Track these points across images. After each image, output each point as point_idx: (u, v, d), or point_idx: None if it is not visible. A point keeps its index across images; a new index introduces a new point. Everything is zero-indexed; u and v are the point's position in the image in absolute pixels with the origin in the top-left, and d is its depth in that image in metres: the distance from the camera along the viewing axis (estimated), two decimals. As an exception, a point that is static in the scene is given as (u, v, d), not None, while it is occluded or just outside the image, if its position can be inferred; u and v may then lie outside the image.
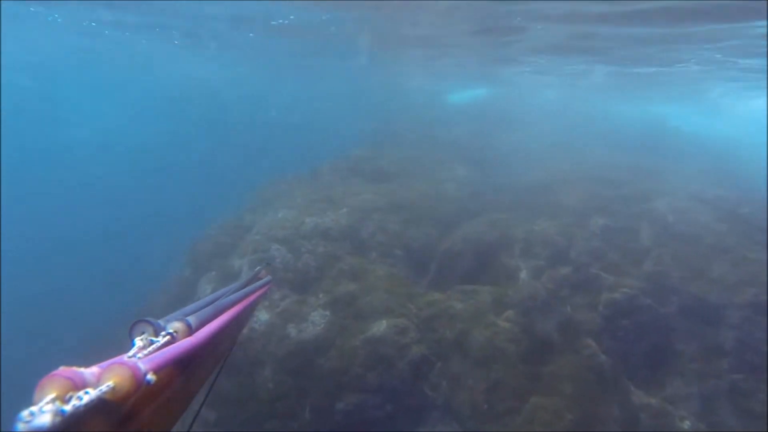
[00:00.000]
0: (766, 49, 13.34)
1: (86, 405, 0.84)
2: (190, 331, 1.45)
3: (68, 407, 0.81)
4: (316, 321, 11.58)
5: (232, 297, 2.14)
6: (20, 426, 0.75)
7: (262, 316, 12.14)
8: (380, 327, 11.04)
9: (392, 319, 11.27)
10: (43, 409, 0.78)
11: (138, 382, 0.97)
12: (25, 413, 0.77)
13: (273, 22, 15.31)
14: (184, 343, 1.32)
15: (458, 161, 19.55)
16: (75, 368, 0.91)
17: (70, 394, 0.85)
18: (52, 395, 0.83)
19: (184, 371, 1.32)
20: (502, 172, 19.51)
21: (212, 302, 1.91)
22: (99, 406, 0.89)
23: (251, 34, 18.49)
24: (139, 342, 1.26)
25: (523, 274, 12.64)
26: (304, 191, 15.74)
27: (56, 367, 0.88)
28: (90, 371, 0.94)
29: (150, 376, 1.01)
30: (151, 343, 1.27)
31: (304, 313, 11.84)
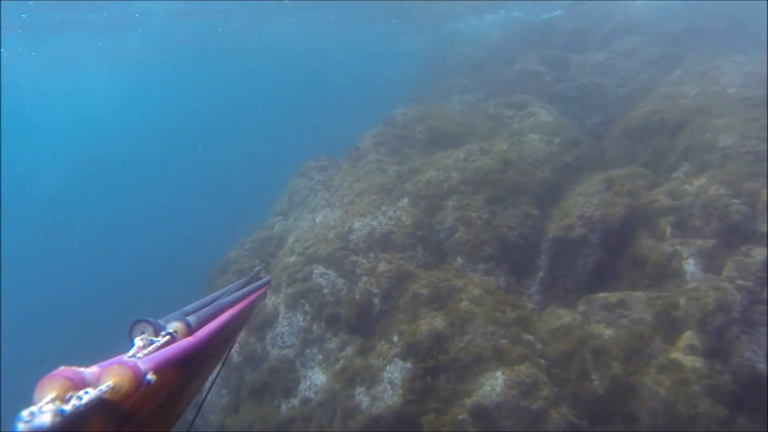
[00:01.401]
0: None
1: (86, 405, 0.83)
2: (190, 330, 1.43)
3: (68, 407, 0.80)
4: (394, 380, 8.10)
5: (232, 297, 2.09)
6: (20, 426, 0.74)
7: (317, 377, 8.78)
8: (493, 385, 7.45)
9: (509, 369, 7.65)
10: (43, 409, 0.77)
11: (138, 381, 0.96)
12: (24, 413, 0.75)
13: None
14: (184, 343, 1.31)
15: (534, 102, 15.12)
16: (75, 368, 0.90)
17: (69, 393, 0.84)
18: (52, 395, 0.81)
19: (184, 371, 1.28)
20: (595, 108, 15.00)
21: (212, 302, 1.88)
22: (99, 405, 0.88)
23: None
24: (138, 342, 1.24)
25: (690, 266, 8.56)
26: (345, 179, 11.95)
27: (56, 366, 0.86)
28: (90, 371, 0.93)
29: (150, 376, 1.01)
30: (151, 342, 1.25)
31: (375, 369, 8.38)
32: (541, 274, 10.00)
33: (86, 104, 55.51)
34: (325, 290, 9.46)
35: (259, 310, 10.06)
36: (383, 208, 10.42)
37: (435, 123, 13.34)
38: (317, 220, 11.17)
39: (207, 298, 1.96)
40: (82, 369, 0.92)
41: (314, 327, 9.30)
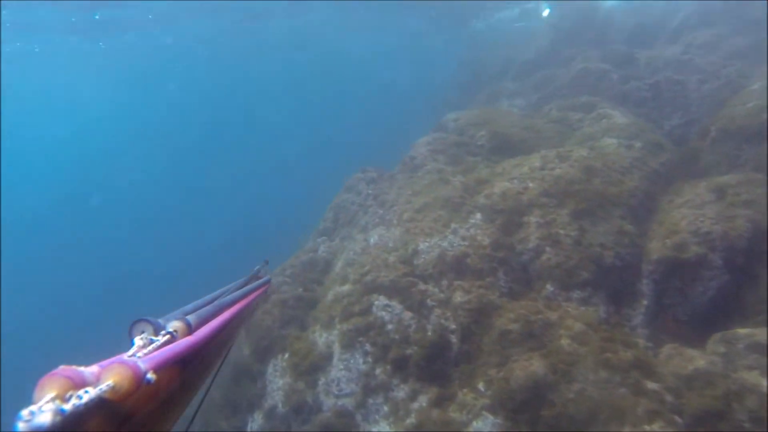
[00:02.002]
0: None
1: (86, 404, 0.84)
2: (190, 330, 1.43)
3: (68, 406, 0.80)
4: (485, 441, 6.56)
5: (232, 296, 2.09)
6: (20, 425, 0.74)
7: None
8: (621, 453, 5.85)
9: (637, 429, 6.06)
10: (43, 408, 0.77)
11: (138, 381, 0.96)
12: (24, 412, 0.76)
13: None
14: (184, 342, 1.31)
15: (605, 103, 13.56)
16: (75, 367, 0.90)
17: (69, 393, 0.84)
18: (52, 394, 0.82)
19: (184, 370, 1.30)
20: (675, 108, 13.36)
21: (212, 301, 1.89)
22: (99, 405, 0.88)
23: None
24: (138, 341, 1.25)
25: None
26: (402, 192, 10.54)
27: (56, 366, 0.87)
28: (90, 370, 0.93)
29: (150, 375, 1.01)
30: (151, 342, 1.26)
31: (458, 426, 6.90)
32: (645, 303, 8.40)
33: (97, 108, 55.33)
34: (389, 326, 7.99)
35: (308, 350, 8.67)
36: (453, 225, 8.95)
37: (497, 128, 11.88)
38: (372, 240, 9.74)
39: (207, 298, 1.95)
40: (82, 368, 0.92)
41: (377, 371, 7.82)
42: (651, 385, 6.60)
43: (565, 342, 7.11)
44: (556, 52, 19.33)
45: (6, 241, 38.67)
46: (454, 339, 7.58)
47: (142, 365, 1.01)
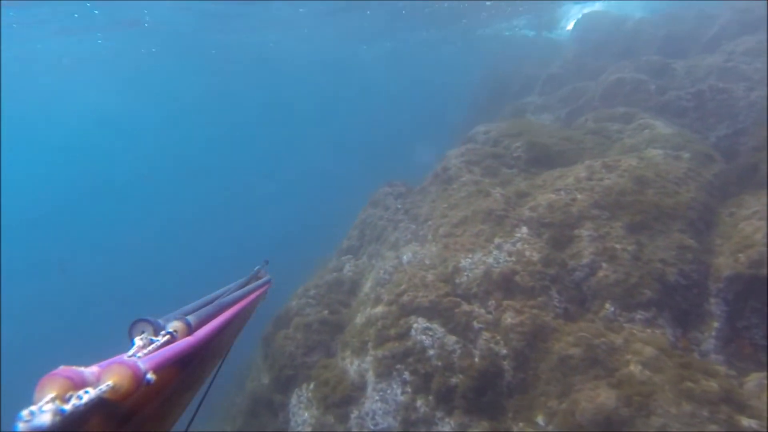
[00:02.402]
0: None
1: (86, 404, 0.84)
2: (190, 330, 1.43)
3: (68, 406, 0.81)
4: (552, 488, 5.67)
5: (232, 296, 2.08)
6: (20, 425, 0.75)
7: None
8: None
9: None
10: (43, 409, 0.78)
11: (138, 381, 0.96)
12: (24, 413, 0.76)
13: None
14: (184, 343, 1.31)
15: (643, 113, 12.86)
16: (75, 367, 0.91)
17: (69, 393, 0.84)
18: (52, 394, 0.82)
19: (184, 370, 1.31)
20: (720, 118, 12.60)
21: (212, 301, 1.88)
22: (99, 405, 0.89)
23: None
24: (138, 341, 1.24)
25: None
26: (437, 206, 9.81)
27: (56, 366, 0.87)
28: (90, 370, 0.94)
29: (150, 376, 1.01)
30: (151, 342, 1.26)
31: (518, 467, 5.97)
32: (716, 325, 7.53)
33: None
34: (431, 352, 7.16)
35: (338, 379, 7.84)
36: (497, 240, 8.18)
37: (534, 138, 11.19)
38: (405, 258, 8.97)
39: (207, 298, 1.94)
40: (82, 368, 0.92)
41: (418, 403, 6.97)
42: (746, 422, 5.72)
43: (635, 369, 6.26)
44: (583, 65, 18.77)
45: (6, 241, 39.39)
46: (506, 366, 6.73)
47: (142, 365, 1.00)
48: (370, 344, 7.66)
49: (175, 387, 1.24)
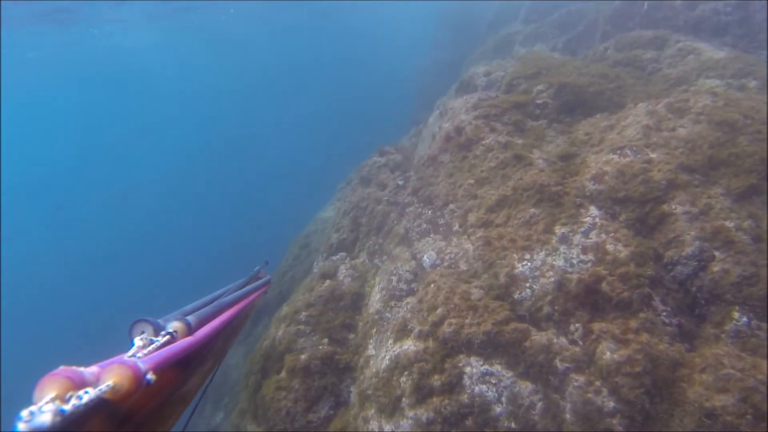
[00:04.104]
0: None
1: (86, 404, 0.85)
2: (190, 330, 1.44)
3: (68, 407, 0.81)
4: None
5: (232, 296, 2.09)
6: (20, 425, 0.75)
7: None
8: None
9: None
10: (43, 409, 0.78)
11: (138, 381, 0.97)
12: (24, 413, 0.77)
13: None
14: (184, 343, 1.31)
15: (677, 35, 10.67)
16: (75, 368, 0.91)
17: (69, 393, 0.85)
18: (52, 395, 0.83)
19: (184, 370, 1.31)
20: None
21: (211, 301, 1.89)
22: (99, 405, 0.89)
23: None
24: (138, 341, 1.26)
25: None
26: (457, 181, 7.44)
27: (56, 366, 0.88)
28: (90, 371, 0.94)
29: (150, 376, 1.02)
30: (151, 342, 1.27)
31: None
32: None
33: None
34: (498, 409, 5.03)
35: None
36: (560, 229, 5.95)
37: (563, 78, 8.83)
38: (426, 260, 6.68)
39: (207, 298, 1.94)
40: (82, 369, 0.92)
41: (493, 488, 4.88)
42: None
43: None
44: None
45: (6, 241, 41.31)
46: (618, 427, 4.66)
47: (142, 366, 1.00)
48: (404, 400, 5.44)
49: (175, 387, 1.23)
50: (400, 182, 8.67)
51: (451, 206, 7.18)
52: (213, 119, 63.38)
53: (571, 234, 5.95)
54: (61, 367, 0.89)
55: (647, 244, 5.76)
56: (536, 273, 5.70)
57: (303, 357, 6.72)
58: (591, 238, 5.83)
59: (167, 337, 1.33)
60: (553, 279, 5.54)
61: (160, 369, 1.08)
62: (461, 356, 5.41)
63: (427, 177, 7.95)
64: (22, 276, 37.05)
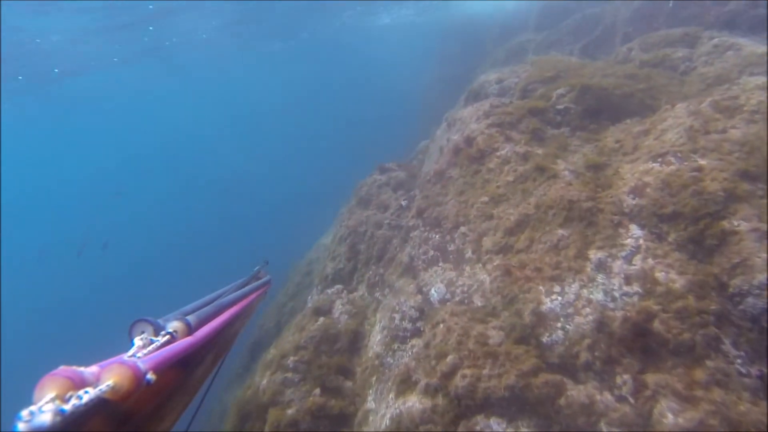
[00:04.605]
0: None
1: (86, 404, 0.85)
2: (190, 330, 1.44)
3: (68, 406, 0.82)
4: None
5: (232, 296, 2.09)
6: (20, 425, 0.76)
7: None
8: None
9: None
10: (43, 409, 0.79)
11: (138, 381, 0.97)
12: (24, 413, 0.77)
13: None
14: (184, 343, 1.31)
15: (711, 32, 9.67)
16: (75, 367, 0.92)
17: (69, 393, 0.85)
18: (52, 394, 0.83)
19: (184, 370, 1.31)
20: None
21: (211, 302, 1.89)
22: (99, 405, 0.89)
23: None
24: (138, 341, 1.25)
25: None
26: (468, 198, 6.44)
27: (56, 366, 0.88)
28: (90, 370, 0.94)
29: (150, 376, 1.02)
30: (151, 342, 1.26)
31: None
32: None
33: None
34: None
35: None
36: (597, 255, 4.89)
37: (586, 81, 7.85)
38: (434, 293, 5.64)
39: (206, 298, 1.95)
40: (82, 368, 0.93)
41: None
42: None
43: None
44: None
45: (6, 241, 41.67)
46: None
47: (142, 365, 1.00)
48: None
49: (175, 387, 1.22)
50: (404, 203, 7.68)
51: (463, 229, 6.15)
52: (213, 149, 63.89)
53: (609, 260, 4.88)
54: (61, 367, 0.88)
55: (707, 271, 4.67)
56: (569, 310, 4.63)
57: (290, 412, 5.66)
58: (635, 265, 4.76)
59: (167, 337, 1.31)
60: (591, 317, 4.46)
61: (160, 369, 1.06)
62: (478, 417, 4.33)
63: (434, 196, 6.93)
64: (22, 276, 37.51)
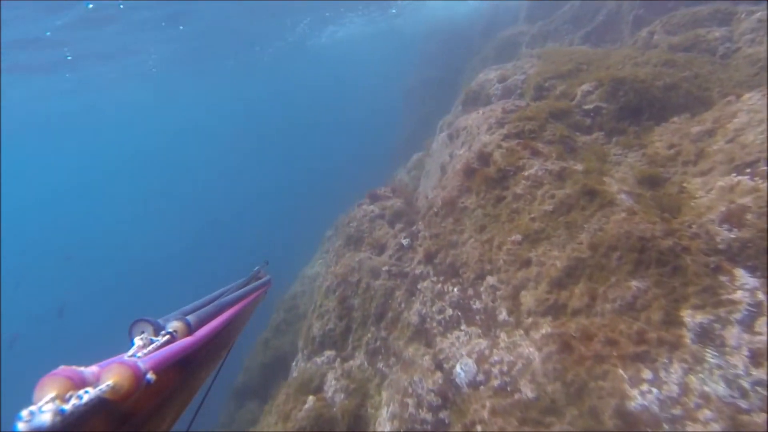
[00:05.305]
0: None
1: (86, 404, 0.84)
2: (190, 330, 1.42)
3: (68, 406, 0.80)
4: None
5: (232, 296, 2.06)
6: (20, 425, 0.75)
7: None
8: None
9: None
10: (43, 409, 0.77)
11: (138, 381, 0.96)
12: (24, 413, 0.76)
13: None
14: (184, 342, 1.30)
15: (745, 5, 8.38)
16: (74, 367, 0.91)
17: (69, 393, 0.84)
18: (52, 394, 0.82)
19: (184, 370, 1.29)
20: None
21: (212, 301, 1.87)
22: (99, 405, 0.89)
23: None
24: (138, 341, 1.24)
25: None
26: (492, 235, 4.92)
27: (56, 366, 0.88)
28: (89, 370, 0.93)
29: (150, 376, 1.01)
30: (151, 342, 1.25)
31: None
32: None
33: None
34: None
35: None
36: (697, 318, 3.45)
37: (612, 74, 6.44)
38: (461, 374, 4.17)
39: (207, 298, 1.95)
40: (81, 368, 0.92)
41: None
42: None
43: None
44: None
45: (6, 241, 41.79)
46: None
47: (142, 365, 1.00)
48: None
49: (176, 387, 1.22)
50: (405, 242, 6.20)
51: (490, 280, 4.66)
52: (188, 168, 62.98)
53: (717, 325, 3.43)
54: (61, 367, 0.87)
55: None
56: (675, 410, 3.16)
57: None
58: (760, 333, 3.31)
59: (167, 336, 1.30)
60: (716, 426, 2.99)
61: (160, 369, 1.06)
62: None
63: (446, 234, 5.43)
64: (23, 276, 37.73)
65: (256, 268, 2.91)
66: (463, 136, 6.72)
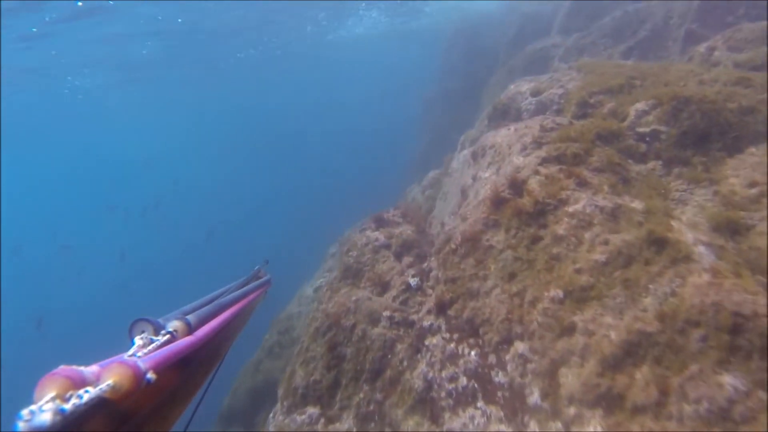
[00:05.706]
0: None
1: (86, 404, 0.85)
2: (190, 329, 1.43)
3: (68, 406, 0.82)
4: None
5: (232, 296, 2.07)
6: (20, 425, 0.76)
7: None
8: None
9: None
10: (43, 408, 0.79)
11: (138, 380, 0.98)
12: (25, 412, 0.77)
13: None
14: (184, 342, 1.32)
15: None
16: (75, 367, 0.92)
17: (70, 392, 0.85)
18: (52, 394, 0.83)
19: (184, 370, 1.31)
20: None
21: (211, 301, 1.88)
22: (99, 404, 0.89)
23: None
24: (138, 341, 1.25)
25: None
26: (527, 288, 3.85)
27: (56, 366, 0.89)
28: (90, 370, 0.95)
29: (150, 375, 1.02)
30: (151, 341, 1.26)
31: None
32: None
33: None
34: None
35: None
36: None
37: (675, 92, 5.38)
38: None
39: (206, 298, 1.95)
40: (82, 368, 0.93)
41: None
42: None
43: None
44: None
45: (6, 241, 41.62)
46: None
47: (142, 365, 1.01)
48: None
49: (175, 386, 1.23)
50: (413, 281, 5.17)
51: (520, 346, 3.61)
52: (195, 174, 63.02)
53: None
54: (61, 367, 0.88)
55: None
56: None
57: None
58: None
59: (167, 336, 1.30)
60: None
61: (160, 368, 1.06)
62: None
63: (465, 278, 4.37)
64: (22, 276, 37.96)
65: (256, 267, 2.88)
66: (490, 155, 5.70)
